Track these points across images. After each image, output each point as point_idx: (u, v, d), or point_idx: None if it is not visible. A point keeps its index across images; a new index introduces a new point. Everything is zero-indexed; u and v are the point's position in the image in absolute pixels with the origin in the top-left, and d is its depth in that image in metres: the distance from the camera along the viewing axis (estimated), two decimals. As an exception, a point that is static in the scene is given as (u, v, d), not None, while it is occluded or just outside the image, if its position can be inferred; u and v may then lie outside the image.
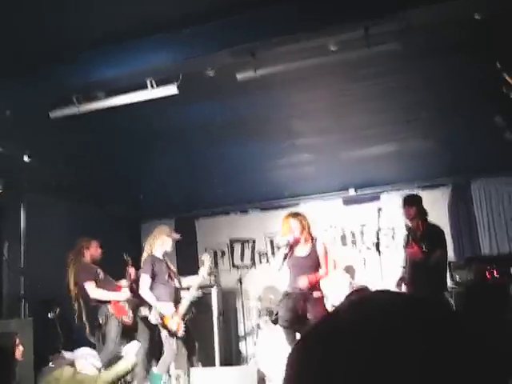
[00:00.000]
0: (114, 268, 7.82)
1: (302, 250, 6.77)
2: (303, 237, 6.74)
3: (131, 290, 7.53)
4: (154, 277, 6.93)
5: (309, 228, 6.84)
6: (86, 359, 5.41)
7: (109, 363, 6.84)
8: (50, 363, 5.42)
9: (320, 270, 6.73)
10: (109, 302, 7.25)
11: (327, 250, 6.98)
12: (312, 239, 6.84)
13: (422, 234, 6.63)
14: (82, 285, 7.23)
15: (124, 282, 7.55)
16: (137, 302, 8.04)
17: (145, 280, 6.89)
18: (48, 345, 6.14)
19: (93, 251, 7.56)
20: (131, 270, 7.61)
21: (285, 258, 6.75)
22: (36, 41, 5.16)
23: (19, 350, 5.50)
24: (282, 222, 6.93)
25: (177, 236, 7.38)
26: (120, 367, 5.37)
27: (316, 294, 6.61)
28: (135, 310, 7.55)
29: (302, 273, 6.62)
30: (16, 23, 4.86)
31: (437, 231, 6.83)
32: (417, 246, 6.49)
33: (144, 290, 6.89)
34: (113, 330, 7.16)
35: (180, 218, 10.90)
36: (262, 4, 4.68)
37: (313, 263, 6.70)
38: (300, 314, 6.61)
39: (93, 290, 7.17)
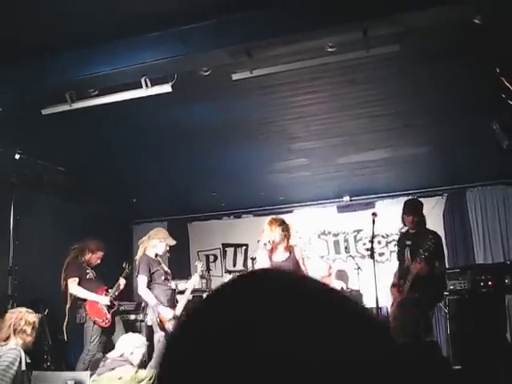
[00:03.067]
0: (102, 267, 7.81)
1: (281, 256, 6.75)
2: (283, 245, 6.74)
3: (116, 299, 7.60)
4: (150, 277, 6.91)
5: (289, 237, 6.81)
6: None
7: (89, 364, 6.83)
8: (101, 365, 5.36)
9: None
10: (85, 301, 7.26)
11: (303, 256, 7.00)
12: (290, 247, 6.82)
13: (425, 243, 6.55)
14: (67, 280, 7.29)
15: (110, 291, 7.54)
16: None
17: (143, 281, 6.88)
18: (34, 345, 6.02)
19: (94, 258, 7.72)
20: (121, 281, 7.62)
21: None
22: (28, 37, 5.09)
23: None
24: (266, 223, 6.86)
25: (172, 242, 7.33)
26: None
27: None
28: (115, 313, 7.55)
29: None
30: (6, 19, 4.78)
31: (438, 239, 6.77)
32: (423, 262, 6.37)
33: (143, 291, 6.88)
34: (88, 331, 7.21)
35: (172, 220, 10.83)
36: (259, 4, 4.61)
37: (292, 267, 6.63)
38: None
39: (73, 286, 7.29)
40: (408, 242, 6.74)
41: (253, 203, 10.67)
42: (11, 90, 5.62)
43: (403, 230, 7.19)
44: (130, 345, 5.45)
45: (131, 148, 7.61)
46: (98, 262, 7.78)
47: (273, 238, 6.65)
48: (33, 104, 5.86)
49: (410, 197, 9.27)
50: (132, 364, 5.25)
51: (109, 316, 7.35)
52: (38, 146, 7.13)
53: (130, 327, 8.18)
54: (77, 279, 7.33)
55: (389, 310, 6.99)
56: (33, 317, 5.38)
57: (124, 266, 7.76)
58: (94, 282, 7.55)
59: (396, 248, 7.05)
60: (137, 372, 5.08)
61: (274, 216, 7.22)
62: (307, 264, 7.04)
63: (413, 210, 6.79)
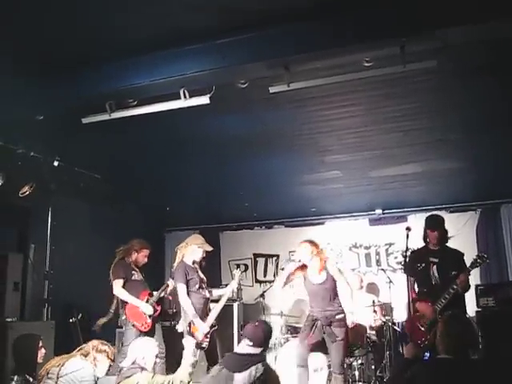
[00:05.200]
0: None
1: (317, 277, 6.71)
2: (313, 263, 6.68)
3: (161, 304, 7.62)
4: (186, 284, 6.94)
5: (320, 255, 6.73)
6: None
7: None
8: (125, 368, 5.47)
9: (342, 294, 6.70)
10: (127, 303, 7.29)
11: (340, 270, 6.87)
12: (324, 265, 6.72)
13: (450, 261, 6.54)
14: (112, 281, 7.33)
15: (155, 293, 7.56)
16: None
17: (182, 288, 6.89)
18: (68, 349, 6.13)
19: (140, 256, 7.68)
20: (170, 282, 7.56)
21: (286, 280, 6.74)
22: (71, 47, 5.21)
23: (41, 353, 5.53)
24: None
25: (209, 248, 7.34)
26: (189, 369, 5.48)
27: (339, 316, 6.59)
28: (156, 319, 7.52)
29: (317, 299, 6.67)
30: (52, 29, 4.91)
31: (461, 256, 6.70)
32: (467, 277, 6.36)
33: (184, 300, 6.88)
34: (128, 333, 7.20)
35: (204, 229, 10.90)
36: (297, 18, 4.67)
37: (328, 289, 6.65)
38: (322, 337, 6.63)
39: (117, 288, 7.27)
40: (433, 259, 6.63)
41: (284, 214, 10.70)
42: (53, 99, 5.75)
43: (418, 247, 6.95)
44: (140, 350, 5.47)
45: (167, 157, 7.72)
46: (145, 260, 7.75)
47: (300, 258, 6.70)
48: (73, 113, 5.98)
49: (443, 211, 9.25)
50: (146, 369, 5.27)
51: (149, 321, 7.31)
52: (76, 153, 7.27)
53: (169, 333, 8.18)
54: (121, 281, 7.31)
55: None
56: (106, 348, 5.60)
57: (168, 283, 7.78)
58: (140, 284, 7.51)
59: (410, 264, 6.65)
60: (153, 377, 5.10)
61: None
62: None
63: (438, 225, 6.69)
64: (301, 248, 6.72)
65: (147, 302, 7.37)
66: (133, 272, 7.49)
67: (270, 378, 4.64)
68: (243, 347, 4.79)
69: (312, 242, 6.76)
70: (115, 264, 7.45)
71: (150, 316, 7.32)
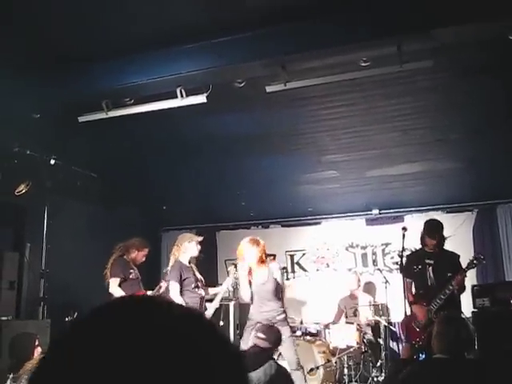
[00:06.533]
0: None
1: (260, 277, 6.66)
2: (257, 263, 6.62)
3: None
4: (181, 284, 6.92)
5: (263, 253, 6.69)
6: None
7: None
8: None
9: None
10: None
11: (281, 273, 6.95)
12: (267, 263, 6.73)
13: (446, 263, 6.55)
14: (109, 279, 7.31)
15: (149, 293, 7.54)
16: None
17: (174, 287, 6.88)
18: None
19: (140, 255, 7.68)
20: (163, 284, 7.57)
21: (250, 284, 6.68)
22: (67, 46, 5.22)
23: (37, 352, 5.49)
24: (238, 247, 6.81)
25: (199, 238, 7.30)
26: None
27: (280, 316, 6.54)
28: None
29: (264, 299, 6.61)
30: (49, 29, 4.91)
31: (457, 259, 6.70)
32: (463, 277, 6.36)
33: (175, 298, 6.89)
34: None
35: (201, 228, 10.89)
36: (295, 17, 4.67)
37: (273, 288, 6.60)
38: None
39: (113, 286, 7.24)
40: (429, 261, 6.61)
41: (281, 214, 10.69)
42: (49, 97, 5.74)
43: (415, 248, 6.97)
44: None
45: (163, 156, 7.71)
46: (143, 259, 7.78)
47: (247, 259, 6.62)
48: (70, 111, 5.98)
49: (439, 212, 9.25)
50: None
51: None
52: (72, 151, 7.25)
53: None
54: (118, 280, 7.29)
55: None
56: None
57: (165, 271, 7.75)
58: (136, 283, 7.52)
59: (407, 266, 6.65)
60: None
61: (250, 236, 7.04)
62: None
63: (437, 234, 6.63)
64: (244, 249, 6.66)
65: None
66: (131, 270, 7.48)
67: (282, 375, 4.87)
68: (253, 339, 4.98)
69: (250, 242, 6.70)
70: (114, 261, 7.43)
71: None
